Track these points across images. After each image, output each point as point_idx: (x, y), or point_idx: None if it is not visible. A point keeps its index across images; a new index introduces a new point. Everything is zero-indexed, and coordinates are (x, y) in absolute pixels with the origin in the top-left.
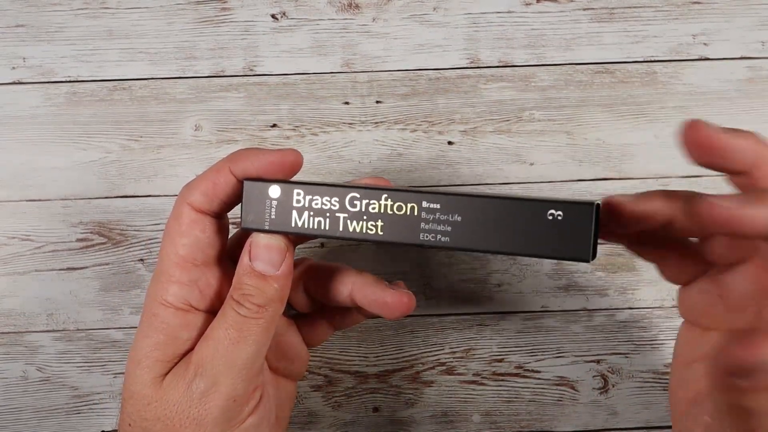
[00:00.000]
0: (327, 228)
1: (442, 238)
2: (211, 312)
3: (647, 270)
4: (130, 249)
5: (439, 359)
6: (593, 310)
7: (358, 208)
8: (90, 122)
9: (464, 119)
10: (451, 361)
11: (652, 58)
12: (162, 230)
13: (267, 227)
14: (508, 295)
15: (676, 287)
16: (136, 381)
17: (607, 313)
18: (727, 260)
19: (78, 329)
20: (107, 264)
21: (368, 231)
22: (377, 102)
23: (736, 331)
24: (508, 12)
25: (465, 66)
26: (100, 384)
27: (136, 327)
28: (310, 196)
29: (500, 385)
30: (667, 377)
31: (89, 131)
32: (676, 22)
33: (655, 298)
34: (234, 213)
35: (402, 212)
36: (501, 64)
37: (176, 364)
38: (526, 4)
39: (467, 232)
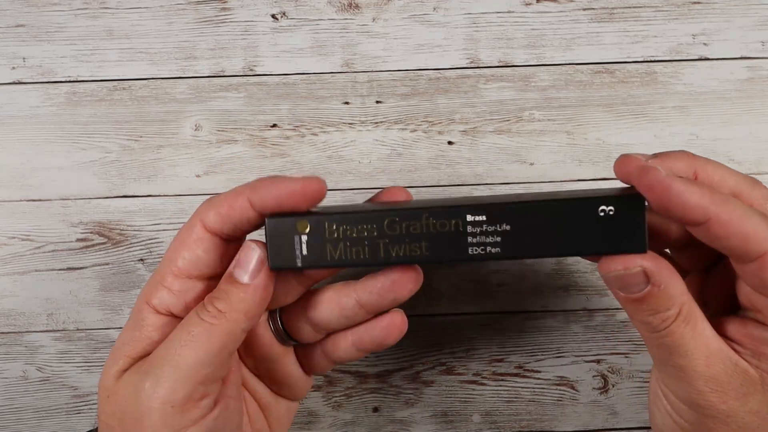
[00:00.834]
0: (367, 256)
1: (492, 250)
2: None
3: None
4: (130, 249)
5: (439, 359)
6: (593, 310)
7: (398, 232)
8: (90, 122)
9: (464, 119)
10: (451, 361)
11: (652, 58)
12: (162, 230)
13: (299, 264)
14: (508, 295)
15: None
16: (103, 373)
17: (607, 313)
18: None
19: (78, 329)
20: (107, 264)
21: (412, 253)
22: (377, 102)
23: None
24: (508, 12)
25: (465, 66)
26: None
27: None
28: (345, 226)
29: (500, 385)
30: None
31: (89, 131)
32: (676, 22)
33: None
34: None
35: (446, 229)
36: (501, 64)
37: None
38: (526, 4)
39: (518, 240)
